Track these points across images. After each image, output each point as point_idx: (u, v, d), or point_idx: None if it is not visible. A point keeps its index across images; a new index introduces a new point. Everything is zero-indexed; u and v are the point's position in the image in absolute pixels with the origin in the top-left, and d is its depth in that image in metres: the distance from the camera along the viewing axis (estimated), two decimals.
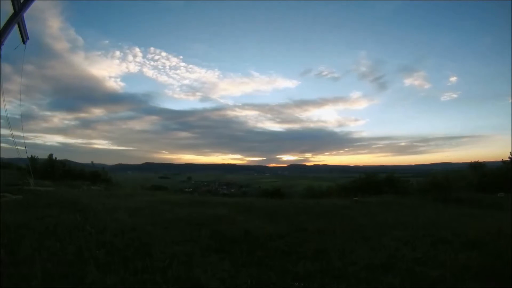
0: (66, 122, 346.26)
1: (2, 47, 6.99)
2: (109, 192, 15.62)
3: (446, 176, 14.53)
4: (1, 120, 9.73)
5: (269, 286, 3.29)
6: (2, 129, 9.83)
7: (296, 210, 9.33)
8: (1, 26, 6.94)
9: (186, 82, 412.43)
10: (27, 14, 7.71)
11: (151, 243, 4.64)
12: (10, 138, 10.08)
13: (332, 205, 10.77)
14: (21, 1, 7.08)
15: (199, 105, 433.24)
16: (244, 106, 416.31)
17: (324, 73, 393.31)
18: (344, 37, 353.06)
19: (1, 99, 8.42)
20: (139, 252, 4.18)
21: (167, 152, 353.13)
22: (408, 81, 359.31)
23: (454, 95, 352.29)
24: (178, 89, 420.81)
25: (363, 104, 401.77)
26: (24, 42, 8.39)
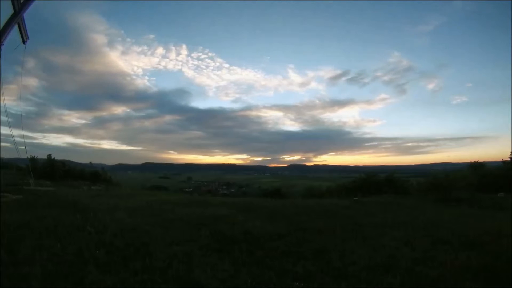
0: (83, 121, 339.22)
1: (2, 47, 6.99)
2: (109, 192, 15.64)
3: (446, 176, 14.54)
4: (1, 120, 9.73)
5: (269, 286, 3.28)
6: (2, 129, 9.83)
7: (296, 210, 9.33)
8: (1, 26, 6.93)
9: (224, 83, 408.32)
10: (28, 15, 7.70)
11: (151, 243, 4.64)
12: (11, 138, 10.08)
13: (332, 205, 10.77)
14: (21, 1, 7.07)
15: (229, 105, 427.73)
16: (272, 106, 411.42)
17: (355, 77, 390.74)
18: (380, 41, 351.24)
19: (1, 98, 8.41)
20: (139, 252, 4.17)
21: (175, 153, 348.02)
22: (427, 87, 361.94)
23: (464, 99, 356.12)
24: (214, 89, 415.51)
25: (382, 107, 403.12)
26: (24, 42, 8.38)
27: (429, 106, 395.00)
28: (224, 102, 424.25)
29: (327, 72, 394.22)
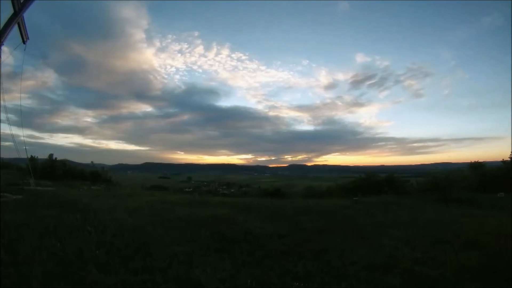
0: (96, 121, 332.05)
1: (2, 47, 6.99)
2: (109, 192, 15.64)
3: (446, 176, 14.55)
4: (2, 120, 9.73)
5: (269, 286, 3.28)
6: (3, 129, 9.84)
7: (296, 210, 9.33)
8: (1, 26, 6.94)
9: (256, 85, 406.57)
10: (31, 13, 7.70)
11: (151, 243, 4.64)
12: (12, 138, 10.09)
13: (332, 205, 10.77)
14: (21, 1, 7.08)
15: (254, 106, 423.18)
16: (295, 107, 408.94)
17: (378, 82, 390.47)
18: (408, 49, 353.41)
19: (1, 99, 8.42)
20: (139, 252, 4.17)
21: (182, 152, 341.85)
22: (442, 92, 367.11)
23: (472, 102, 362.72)
24: (244, 90, 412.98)
25: (397, 109, 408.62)
26: (24, 42, 8.39)
27: (439, 109, 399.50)
28: (251, 102, 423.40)
29: (354, 76, 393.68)
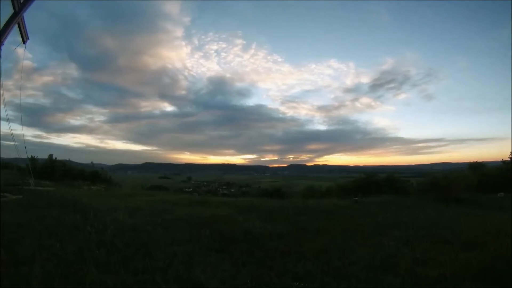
0: (109, 120, 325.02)
1: (2, 47, 7.00)
2: (109, 192, 15.65)
3: (446, 176, 14.53)
4: (2, 119, 9.74)
5: (269, 286, 3.28)
6: (3, 129, 9.84)
7: (296, 210, 9.32)
8: (1, 26, 6.94)
9: (284, 87, 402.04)
10: (31, 13, 7.70)
11: (151, 243, 4.64)
12: (22, 138, 10.11)
13: (332, 205, 10.77)
14: (21, 1, 7.08)
15: (276, 106, 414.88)
16: (315, 109, 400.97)
17: (396, 86, 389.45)
18: (428, 59, 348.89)
19: (1, 98, 8.43)
20: (139, 252, 4.17)
21: (188, 153, 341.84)
22: (450, 95, 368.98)
23: (475, 104, 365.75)
24: (272, 92, 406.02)
25: (407, 111, 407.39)
26: (24, 42, 8.40)
27: (446, 111, 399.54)
28: (275, 103, 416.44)
29: (376, 79, 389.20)
